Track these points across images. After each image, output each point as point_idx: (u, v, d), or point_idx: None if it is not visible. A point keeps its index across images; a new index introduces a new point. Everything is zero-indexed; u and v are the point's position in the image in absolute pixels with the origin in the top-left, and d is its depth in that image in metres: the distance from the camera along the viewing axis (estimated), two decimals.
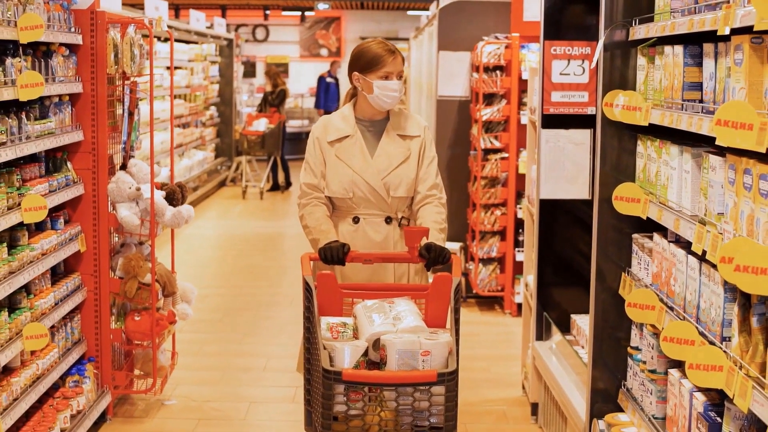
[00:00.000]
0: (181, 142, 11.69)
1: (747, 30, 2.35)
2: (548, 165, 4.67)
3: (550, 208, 4.78)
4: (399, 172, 3.72)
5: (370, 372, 2.99)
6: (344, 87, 18.27)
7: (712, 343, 2.59)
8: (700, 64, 2.84)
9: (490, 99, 7.07)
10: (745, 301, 2.44)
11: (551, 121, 4.66)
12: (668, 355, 2.74)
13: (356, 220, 3.73)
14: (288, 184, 13.77)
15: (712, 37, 2.68)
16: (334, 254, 3.45)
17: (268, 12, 20.47)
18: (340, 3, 19.67)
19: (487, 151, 7.06)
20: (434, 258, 3.45)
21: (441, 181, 3.84)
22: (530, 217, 5.16)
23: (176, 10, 18.09)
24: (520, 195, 6.89)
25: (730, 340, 2.52)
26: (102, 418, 4.73)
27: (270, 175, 13.61)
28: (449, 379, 2.90)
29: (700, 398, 2.76)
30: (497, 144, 6.99)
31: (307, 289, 3.20)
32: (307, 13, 20.60)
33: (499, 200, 7.02)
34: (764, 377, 2.27)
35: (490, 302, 7.20)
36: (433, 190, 3.77)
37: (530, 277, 5.03)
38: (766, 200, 2.25)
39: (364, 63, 3.71)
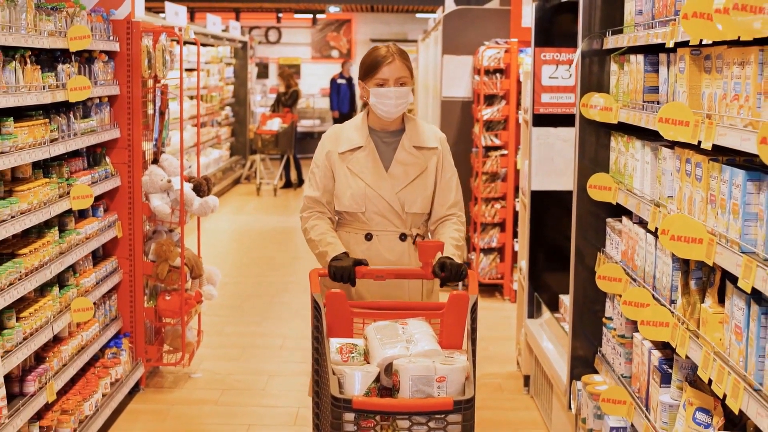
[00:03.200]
0: (196, 142, 12.20)
1: (688, 43, 2.84)
2: (539, 160, 5.18)
3: (541, 199, 5.28)
4: (415, 186, 3.53)
5: (382, 400, 2.81)
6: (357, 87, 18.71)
7: (663, 305, 3.09)
8: (657, 71, 3.33)
9: (490, 100, 7.57)
10: (687, 267, 2.93)
11: (542, 120, 5.18)
12: (627, 316, 3.24)
13: (369, 237, 3.54)
14: (300, 181, 14.28)
15: (666, 48, 3.17)
16: (344, 274, 3.27)
17: (280, 15, 21.00)
18: (351, 6, 20.15)
19: (488, 149, 7.56)
20: (449, 275, 3.28)
21: (461, 198, 3.66)
22: (524, 208, 5.65)
23: (191, 13, 18.61)
24: (518, 189, 7.37)
25: (676, 302, 3.02)
26: (136, 388, 5.25)
27: (283, 173, 14.12)
28: (466, 407, 2.71)
29: (656, 354, 3.24)
30: (497, 142, 7.49)
31: (315, 307, 3.05)
32: (318, 16, 21.10)
33: (498, 194, 7.52)
34: (699, 330, 2.77)
35: (491, 289, 7.70)
36: (453, 209, 3.59)
37: (523, 262, 5.52)
38: (699, 184, 2.75)
39: (363, 69, 3.54)
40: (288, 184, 14.19)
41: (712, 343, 2.62)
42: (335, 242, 3.44)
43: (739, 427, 2.69)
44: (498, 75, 7.48)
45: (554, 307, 5.11)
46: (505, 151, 7.49)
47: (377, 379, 2.88)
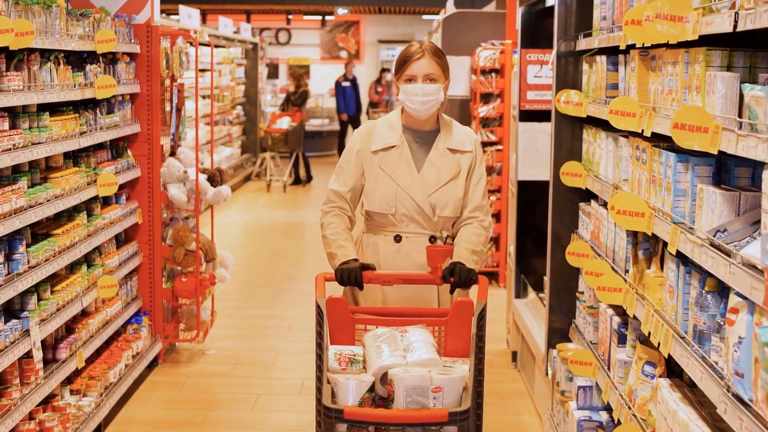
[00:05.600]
0: (210, 139, 12.70)
1: (635, 46, 3.28)
2: (525, 152, 5.62)
3: (527, 189, 5.73)
4: (447, 189, 3.45)
5: (374, 410, 2.72)
6: (362, 88, 19.10)
7: (618, 274, 3.53)
8: (617, 70, 3.77)
9: (486, 98, 8.01)
10: (636, 240, 3.37)
11: (527, 115, 5.63)
12: (588, 284, 3.69)
13: (398, 238, 3.45)
14: (309, 178, 14.75)
15: (623, 49, 3.61)
16: (351, 276, 3.21)
17: (290, 16, 21.49)
18: (359, 7, 20.63)
19: (484, 144, 8.01)
20: (458, 281, 3.20)
21: (488, 202, 3.57)
22: (512, 197, 6.09)
23: (203, 15, 19.08)
24: None
25: (629, 271, 3.46)
26: (154, 362, 5.72)
27: (292, 170, 14.58)
28: (462, 419, 2.62)
29: (616, 319, 3.68)
30: (493, 137, 7.93)
31: (318, 313, 2.99)
32: (327, 18, 21.60)
33: (494, 187, 7.95)
34: (644, 293, 3.21)
35: (487, 277, 8.12)
36: (477, 212, 3.51)
37: (512, 247, 5.96)
38: (645, 167, 3.19)
39: (396, 66, 3.49)
40: (297, 181, 14.65)
41: (653, 303, 3.06)
42: (347, 246, 3.36)
43: (676, 375, 3.12)
44: (493, 75, 7.93)
45: (539, 288, 5.55)
46: (500, 147, 7.93)
47: (372, 389, 2.79)
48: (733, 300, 2.27)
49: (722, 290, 2.54)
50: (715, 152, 2.36)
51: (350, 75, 17.95)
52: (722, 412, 2.31)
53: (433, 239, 3.45)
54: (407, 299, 3.44)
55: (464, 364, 2.92)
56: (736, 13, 2.23)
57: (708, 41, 2.66)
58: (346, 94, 17.56)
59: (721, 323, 2.45)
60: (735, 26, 2.24)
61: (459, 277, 3.19)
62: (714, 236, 2.48)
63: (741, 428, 2.18)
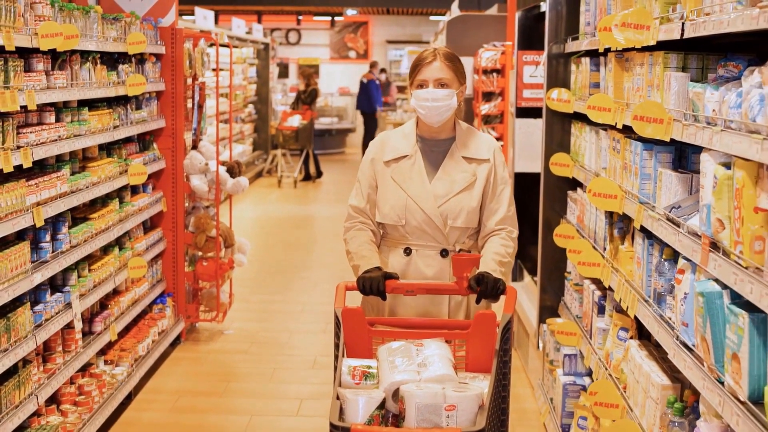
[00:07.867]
0: (223, 136, 13.16)
1: (610, 49, 3.71)
2: (521, 146, 6.06)
3: (523, 180, 6.16)
4: (459, 199, 3.30)
5: (383, 429, 2.60)
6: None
7: (597, 251, 3.97)
8: (598, 70, 4.20)
9: (488, 96, 8.45)
10: (612, 221, 3.81)
11: (523, 112, 6.06)
12: (571, 261, 4.12)
13: (408, 251, 3.34)
14: (319, 174, 15.20)
15: (602, 52, 4.04)
16: (373, 285, 3.08)
17: (300, 17, 21.95)
18: (368, 9, 21.07)
19: None
20: (484, 291, 3.03)
21: (514, 212, 3.40)
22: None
23: (216, 16, 19.51)
24: None
25: (606, 249, 3.89)
26: (177, 340, 6.17)
27: (302, 167, 15.03)
28: None
29: (596, 293, 4.12)
30: (494, 134, 8.36)
31: (336, 323, 2.93)
32: (336, 18, 22.05)
33: None
34: (618, 266, 3.65)
35: None
36: (503, 224, 3.34)
37: None
38: (618, 155, 3.63)
39: (409, 72, 3.36)
40: (307, 177, 15.10)
41: (624, 274, 3.50)
42: (370, 255, 3.25)
43: (645, 337, 3.56)
44: (495, 74, 8.36)
45: (535, 272, 5.97)
46: (501, 142, 8.36)
47: (383, 406, 2.69)
48: (681, 263, 2.71)
49: (676, 258, 2.98)
50: (668, 140, 2.80)
51: (377, 73, 18.20)
52: (672, 357, 2.75)
53: (444, 253, 3.33)
54: (413, 311, 3.34)
55: (484, 380, 2.81)
56: (683, 24, 2.67)
57: (669, 46, 3.10)
58: (379, 90, 17.73)
59: (674, 285, 2.88)
60: (682, 34, 2.68)
61: (485, 286, 3.04)
62: (669, 212, 2.91)
63: (685, 367, 2.62)
